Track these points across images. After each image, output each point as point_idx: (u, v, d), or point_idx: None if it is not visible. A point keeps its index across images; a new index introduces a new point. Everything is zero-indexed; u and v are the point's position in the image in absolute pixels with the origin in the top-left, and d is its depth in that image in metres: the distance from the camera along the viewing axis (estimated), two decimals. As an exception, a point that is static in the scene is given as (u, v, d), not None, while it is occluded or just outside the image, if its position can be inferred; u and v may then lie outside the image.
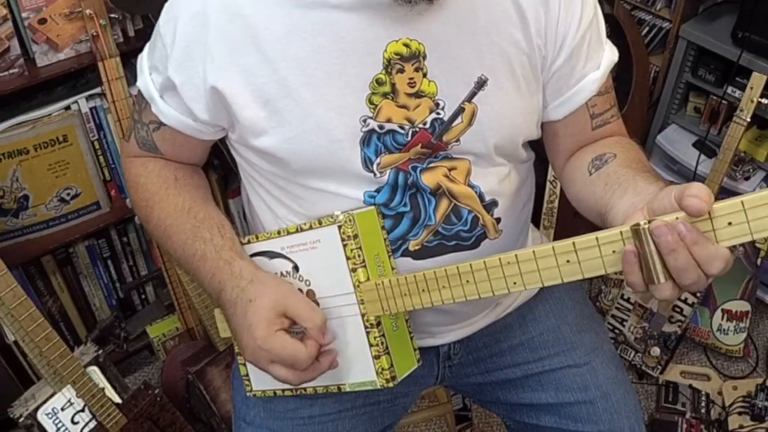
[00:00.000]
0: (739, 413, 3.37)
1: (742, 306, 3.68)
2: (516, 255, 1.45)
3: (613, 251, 1.33)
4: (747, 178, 3.77)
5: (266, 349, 1.62)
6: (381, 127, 1.70)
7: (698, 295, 3.49)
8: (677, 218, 1.25)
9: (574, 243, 1.37)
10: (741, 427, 3.31)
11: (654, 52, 4.11)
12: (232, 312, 1.70)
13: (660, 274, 1.26)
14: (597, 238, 1.34)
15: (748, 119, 3.24)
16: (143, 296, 3.77)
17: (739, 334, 3.71)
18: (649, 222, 1.25)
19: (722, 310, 3.69)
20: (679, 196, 1.24)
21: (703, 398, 3.49)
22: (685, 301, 3.51)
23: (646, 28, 4.08)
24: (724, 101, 3.78)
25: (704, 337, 3.78)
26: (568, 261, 1.39)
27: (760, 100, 3.19)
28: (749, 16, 3.44)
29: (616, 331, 3.66)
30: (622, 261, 1.29)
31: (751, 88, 3.20)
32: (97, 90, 3.04)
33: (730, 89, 3.65)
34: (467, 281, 1.54)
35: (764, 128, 3.81)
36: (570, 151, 1.94)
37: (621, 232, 1.30)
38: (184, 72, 1.71)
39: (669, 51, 3.99)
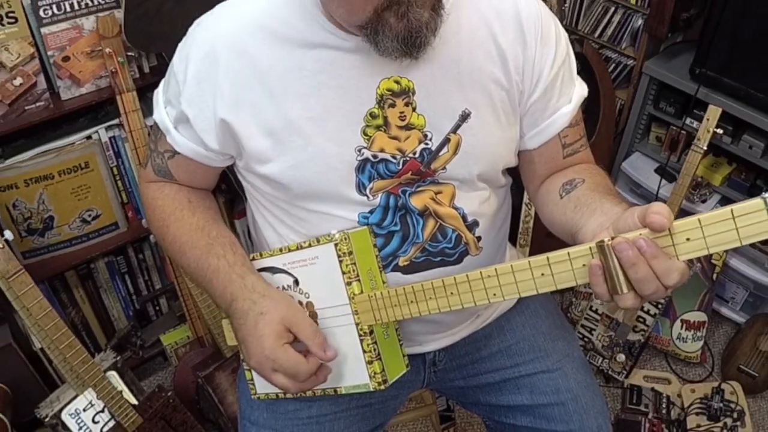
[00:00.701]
0: (697, 414, 3.38)
1: (700, 317, 3.69)
2: (495, 269, 1.47)
3: (583, 265, 1.35)
4: (704, 201, 3.79)
5: (273, 359, 1.64)
6: (375, 157, 1.72)
7: (660, 306, 3.50)
8: (640, 235, 1.27)
9: (548, 258, 1.40)
10: (698, 426, 3.32)
11: (619, 87, 4.12)
12: (242, 322, 1.72)
13: (623, 285, 1.29)
14: (569, 253, 1.37)
15: (705, 147, 3.25)
16: (157, 308, 3.77)
17: (697, 342, 3.72)
18: (612, 239, 1.28)
19: (681, 320, 3.70)
20: (643, 215, 1.27)
21: (664, 400, 3.49)
22: (647, 312, 3.52)
23: (613, 65, 4.09)
24: (683, 131, 3.80)
25: (665, 345, 3.78)
26: (542, 274, 1.42)
27: (715, 130, 3.20)
28: (705, 54, 3.45)
29: (585, 339, 3.66)
30: (589, 273, 1.31)
31: (708, 119, 3.21)
32: (116, 121, 3.04)
33: (688, 120, 3.68)
34: (452, 293, 1.56)
35: (719, 156, 3.82)
36: (543, 177, 1.95)
37: (590, 248, 1.33)
38: (196, 106, 1.72)
39: (633, 86, 4.00)
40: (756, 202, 1.18)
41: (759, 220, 1.18)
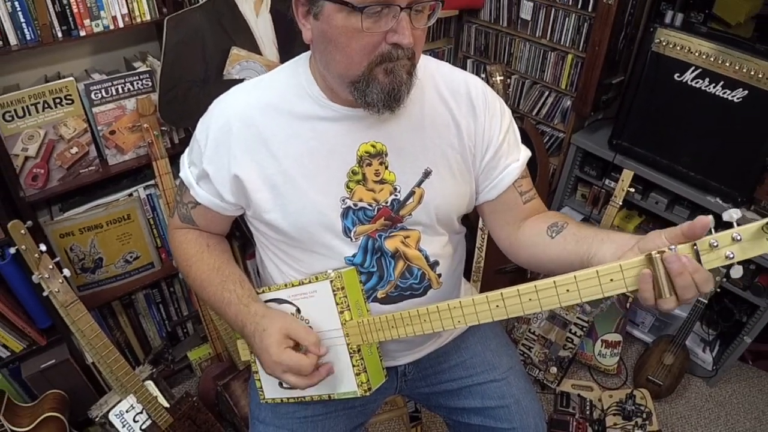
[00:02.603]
0: (614, 414, 3.38)
1: (616, 337, 3.70)
2: (460, 302, 1.52)
3: (530, 299, 1.40)
4: (619, 246, 3.79)
5: (279, 362, 1.66)
6: (355, 205, 1.76)
7: (584, 329, 3.52)
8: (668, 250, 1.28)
9: (502, 293, 1.44)
10: (615, 425, 3.32)
11: (552, 155, 4.14)
12: (252, 341, 1.75)
13: (666, 290, 1.29)
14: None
15: (620, 203, 3.27)
16: (185, 330, 3.75)
17: (614, 357, 3.73)
18: (660, 253, 1.28)
19: (602, 340, 3.71)
20: (671, 234, 1.31)
21: (588, 404, 3.49)
22: (575, 334, 3.53)
23: (547, 137, 4.11)
24: (603, 190, 3.83)
25: (588, 360, 3.79)
26: (497, 306, 1.46)
27: (628, 189, 3.23)
28: (621, 129, 3.51)
29: (525, 355, 3.66)
30: (640, 281, 1.32)
31: (622, 180, 3.24)
32: (152, 182, 3.06)
33: (607, 181, 3.72)
34: (424, 320, 1.61)
35: (632, 209, 3.85)
36: (511, 224, 1.95)
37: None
38: (214, 164, 1.76)
39: (563, 154, 4.03)
40: (665, 251, 1.23)
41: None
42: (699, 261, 1.23)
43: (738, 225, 1.19)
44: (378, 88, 1.56)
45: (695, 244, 1.23)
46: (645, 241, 1.38)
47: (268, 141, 1.72)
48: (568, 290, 1.36)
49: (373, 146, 1.74)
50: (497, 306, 1.46)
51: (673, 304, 1.33)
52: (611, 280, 1.33)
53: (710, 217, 1.24)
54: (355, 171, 1.74)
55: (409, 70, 1.57)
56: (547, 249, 1.79)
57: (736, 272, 1.23)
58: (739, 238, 1.18)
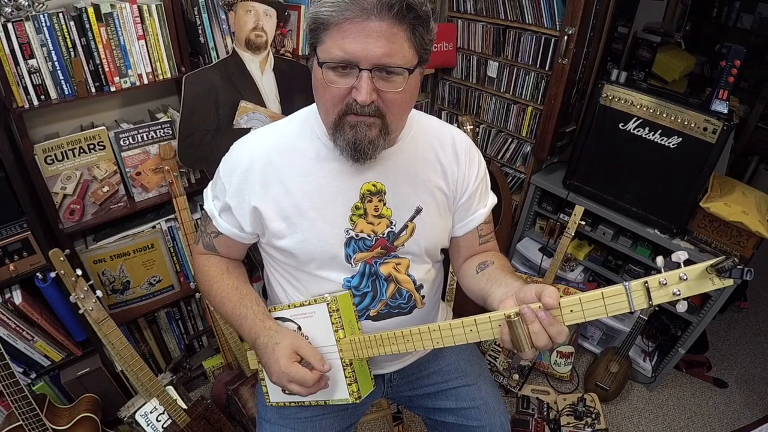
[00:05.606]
0: (567, 415, 3.37)
1: (569, 349, 3.71)
2: (438, 326, 1.54)
3: (499, 325, 1.41)
4: (572, 270, 3.81)
5: (287, 373, 1.68)
6: (357, 236, 1.78)
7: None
8: (539, 306, 1.33)
9: (475, 320, 1.46)
10: (568, 423, 3.32)
11: (515, 193, 4.14)
12: (264, 351, 1.76)
13: (525, 345, 1.35)
14: (489, 317, 1.43)
15: (573, 234, 3.28)
16: (200, 342, 3.73)
17: (567, 366, 3.73)
18: (518, 314, 1.35)
19: (557, 351, 3.71)
20: (539, 292, 1.37)
21: (545, 406, 3.49)
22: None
23: (510, 178, 4.12)
24: (558, 223, 3.84)
25: (546, 368, 3.79)
26: (471, 330, 1.47)
27: (580, 222, 3.24)
28: (573, 170, 3.52)
29: (492, 363, 3.65)
30: (501, 339, 1.41)
31: (574, 215, 3.25)
32: (172, 216, 3.05)
33: (561, 216, 3.72)
34: (408, 341, 1.62)
35: (582, 239, 3.87)
36: (465, 258, 2.02)
37: (504, 314, 1.40)
38: (236, 198, 1.78)
39: (524, 192, 4.04)
40: (619, 287, 1.25)
41: (621, 300, 1.26)
42: (649, 297, 1.24)
43: (684, 266, 1.20)
44: (343, 138, 1.58)
45: (646, 282, 1.23)
46: (520, 291, 1.45)
47: (283, 178, 1.74)
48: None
49: (374, 185, 1.76)
50: (471, 330, 1.48)
51: (531, 354, 1.40)
52: (571, 311, 1.35)
53: (555, 291, 1.33)
54: (357, 206, 1.76)
55: (380, 128, 1.58)
56: (471, 281, 1.88)
57: (682, 307, 1.24)
58: (685, 277, 1.18)
